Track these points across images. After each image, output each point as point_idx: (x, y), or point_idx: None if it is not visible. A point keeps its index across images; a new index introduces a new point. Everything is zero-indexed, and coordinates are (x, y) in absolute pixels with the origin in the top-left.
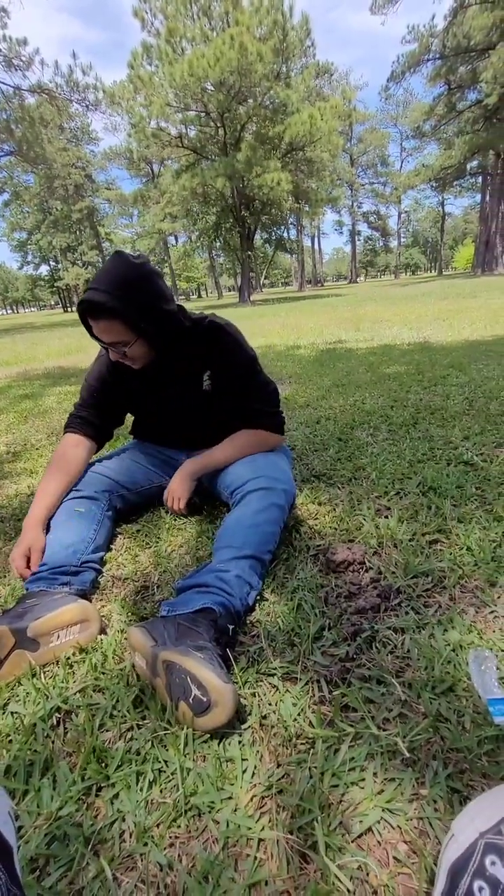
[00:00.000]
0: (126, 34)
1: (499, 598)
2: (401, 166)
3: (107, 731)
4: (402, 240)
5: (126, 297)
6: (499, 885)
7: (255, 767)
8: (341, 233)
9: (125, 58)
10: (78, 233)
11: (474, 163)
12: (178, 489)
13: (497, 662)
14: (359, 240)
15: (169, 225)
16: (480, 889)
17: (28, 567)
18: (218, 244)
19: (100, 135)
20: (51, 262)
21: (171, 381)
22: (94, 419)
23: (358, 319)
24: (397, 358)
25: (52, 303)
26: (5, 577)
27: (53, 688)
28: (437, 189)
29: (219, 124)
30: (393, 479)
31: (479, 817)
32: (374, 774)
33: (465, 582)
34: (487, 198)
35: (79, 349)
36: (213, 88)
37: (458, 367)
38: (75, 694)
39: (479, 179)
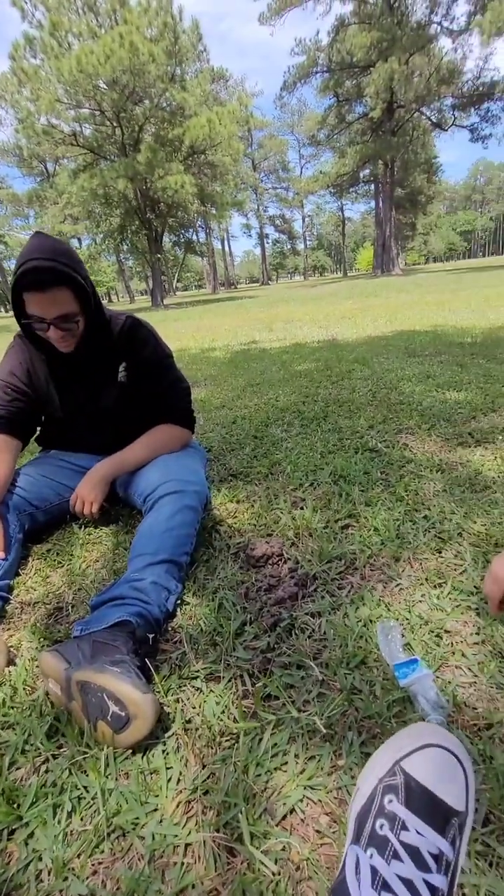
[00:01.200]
0: (4, 25)
1: (403, 571)
2: (301, 172)
3: (18, 768)
4: (308, 242)
5: (72, 265)
6: (395, 818)
7: (181, 773)
8: (250, 236)
9: (5, 49)
10: None
11: (366, 171)
12: (89, 493)
13: (402, 630)
14: (267, 242)
15: (70, 227)
16: (381, 826)
17: None
18: (125, 247)
19: None
20: None
21: (86, 374)
22: (12, 416)
23: (271, 320)
24: (308, 356)
25: None
26: None
27: None
28: (335, 195)
29: (115, 124)
30: (306, 471)
31: (378, 766)
32: (296, 756)
33: (374, 560)
34: (380, 204)
35: None
36: (105, 87)
37: (363, 362)
38: None
39: (372, 187)
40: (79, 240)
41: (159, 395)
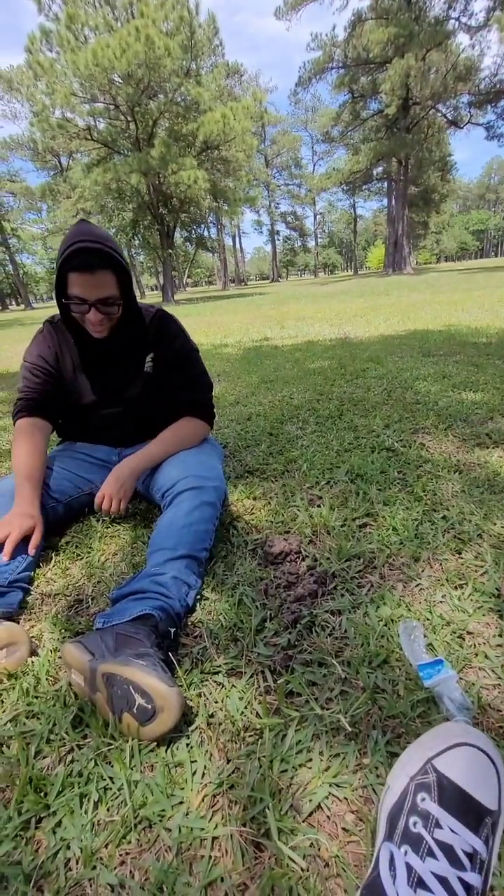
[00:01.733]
0: (21, 17)
1: (423, 571)
2: (314, 169)
3: (44, 757)
4: (319, 240)
5: (117, 250)
6: (429, 815)
7: (205, 767)
8: (261, 232)
9: (23, 42)
10: None
11: (380, 169)
12: (117, 490)
13: (424, 631)
14: (278, 239)
15: None
16: (415, 823)
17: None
18: (137, 242)
19: None
20: None
21: (114, 362)
22: (41, 399)
23: (282, 317)
24: (321, 353)
25: None
26: None
27: None
28: (348, 192)
29: (130, 118)
30: (323, 469)
31: (409, 764)
32: (321, 753)
33: (393, 560)
34: (393, 202)
35: None
36: (121, 81)
37: (377, 361)
38: (6, 724)
39: (385, 184)
40: None
41: (185, 388)
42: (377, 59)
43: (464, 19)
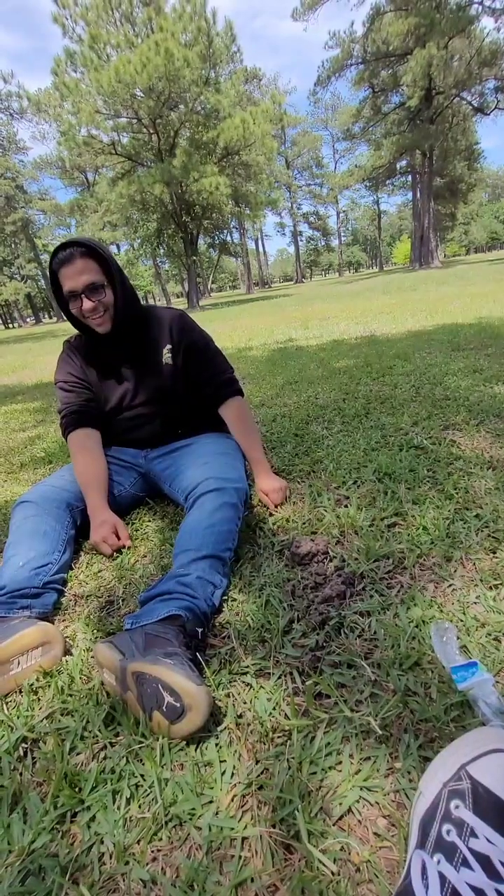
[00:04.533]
0: (49, 41)
1: (455, 571)
2: (335, 167)
3: (78, 753)
4: (343, 238)
5: (96, 245)
6: (463, 824)
7: (234, 767)
8: (284, 234)
9: (49, 65)
10: (13, 246)
11: (403, 162)
12: (281, 487)
13: (457, 632)
14: (301, 240)
15: (109, 234)
16: (448, 832)
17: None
18: (161, 251)
19: (28, 144)
20: None
21: (129, 358)
22: (82, 410)
23: (306, 318)
24: (346, 352)
25: None
26: None
27: (18, 717)
28: (370, 188)
29: (151, 131)
30: (350, 468)
31: (441, 769)
32: (350, 756)
33: (424, 560)
34: (418, 195)
35: (24, 366)
36: (142, 95)
37: (404, 357)
38: (42, 721)
39: (409, 178)
40: (117, 246)
41: (218, 371)
42: (397, 52)
43: (487, 2)
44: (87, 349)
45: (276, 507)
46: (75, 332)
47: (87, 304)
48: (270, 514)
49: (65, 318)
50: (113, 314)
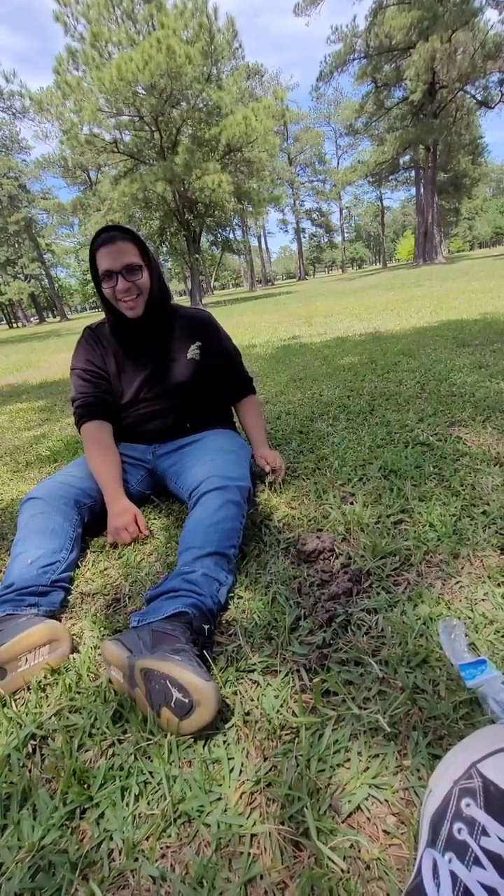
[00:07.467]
0: (51, 41)
1: (462, 568)
2: (338, 163)
3: (86, 750)
4: (346, 235)
5: (134, 232)
6: (475, 822)
7: (242, 764)
8: (287, 231)
9: (52, 64)
10: (17, 245)
11: (406, 157)
12: (278, 457)
13: (465, 629)
14: (304, 237)
15: None
16: (459, 830)
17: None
18: (164, 249)
19: (31, 143)
20: None
21: (155, 347)
22: (97, 402)
23: (310, 315)
24: (350, 349)
25: None
26: None
27: (26, 714)
28: (374, 184)
29: (154, 128)
30: (355, 465)
31: (452, 767)
32: (359, 753)
33: (430, 557)
34: (422, 190)
35: (28, 365)
36: (144, 92)
37: (409, 354)
38: (50, 718)
39: (413, 173)
40: None
41: (238, 371)
42: (400, 46)
43: None
44: (110, 334)
45: (273, 471)
46: (79, 330)
47: (123, 283)
48: (282, 512)
49: (69, 317)
50: (147, 298)
